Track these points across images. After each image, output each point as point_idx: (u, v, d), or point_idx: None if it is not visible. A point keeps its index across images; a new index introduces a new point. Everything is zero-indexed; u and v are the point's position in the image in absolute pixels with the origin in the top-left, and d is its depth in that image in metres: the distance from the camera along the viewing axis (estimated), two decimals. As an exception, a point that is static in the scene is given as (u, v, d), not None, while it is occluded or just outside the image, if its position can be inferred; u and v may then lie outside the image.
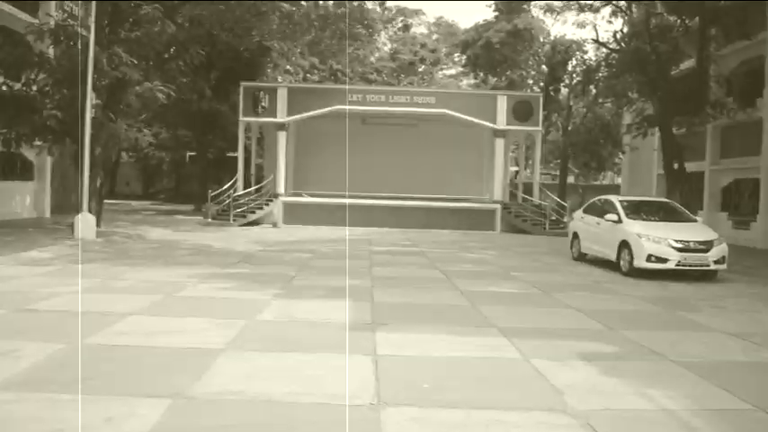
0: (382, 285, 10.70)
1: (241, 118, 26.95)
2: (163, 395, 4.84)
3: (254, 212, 25.29)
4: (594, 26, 46.86)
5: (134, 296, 8.97)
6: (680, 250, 12.61)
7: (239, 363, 5.80)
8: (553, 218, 26.22)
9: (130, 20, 19.00)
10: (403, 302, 9.26)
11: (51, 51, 19.09)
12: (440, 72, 57.13)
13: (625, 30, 24.90)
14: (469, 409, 4.78)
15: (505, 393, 5.24)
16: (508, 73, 40.57)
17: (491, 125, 27.08)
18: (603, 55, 31.50)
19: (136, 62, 18.04)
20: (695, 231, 13.33)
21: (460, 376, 5.62)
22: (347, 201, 25.78)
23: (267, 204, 25.92)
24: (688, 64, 23.33)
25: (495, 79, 41.47)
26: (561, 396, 5.15)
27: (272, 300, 8.98)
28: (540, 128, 28.39)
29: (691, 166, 23.49)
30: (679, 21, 22.23)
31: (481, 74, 42.79)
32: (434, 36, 56.05)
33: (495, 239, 22.28)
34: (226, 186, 25.99)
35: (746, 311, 9.63)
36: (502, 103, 27.12)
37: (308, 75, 43.60)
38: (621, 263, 13.43)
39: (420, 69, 55.01)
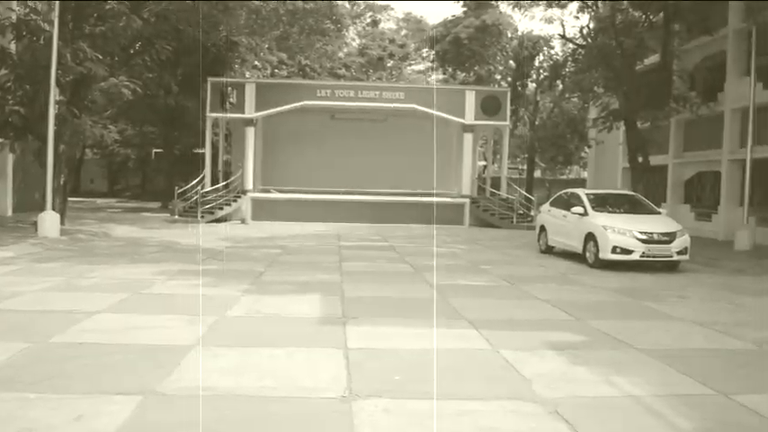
0: (352, 280, 10.72)
1: (208, 114, 26.67)
2: (132, 392, 4.80)
3: (221, 209, 25.07)
4: (562, 22, 47.53)
5: (100, 294, 8.84)
6: (644, 242, 12.89)
7: (210, 359, 5.77)
8: (521, 211, 26.51)
9: (95, 15, 18.64)
10: (373, 296, 9.30)
11: (13, 47, 18.65)
12: (408, 67, 57.22)
13: (591, 25, 25.19)
14: (441, 399, 4.83)
15: (475, 384, 5.30)
16: (476, 68, 40.80)
17: (459, 120, 27.27)
18: (570, 50, 31.79)
19: (101, 57, 17.71)
20: (659, 223, 13.61)
21: (431, 368, 5.67)
22: (316, 196, 25.76)
23: (235, 201, 25.73)
24: (653, 59, 23.73)
25: (464, 74, 41.69)
26: (530, 385, 5.23)
27: (241, 296, 8.94)
28: (507, 123, 28.66)
29: (655, 160, 23.91)
30: (644, 16, 22.60)
31: (450, 69, 42.98)
32: (403, 31, 56.11)
33: (464, 233, 22.46)
34: (193, 183, 25.70)
35: (708, 301, 9.87)
36: (470, 98, 27.32)
37: (277, 70, 43.26)
38: (587, 255, 13.66)
39: (389, 64, 55.05)
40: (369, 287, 10.12)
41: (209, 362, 5.66)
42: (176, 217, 24.65)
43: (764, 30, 16.00)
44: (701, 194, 26.04)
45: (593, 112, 30.12)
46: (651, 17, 22.46)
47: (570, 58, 30.98)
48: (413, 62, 56.89)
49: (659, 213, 14.75)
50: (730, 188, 23.06)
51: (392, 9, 56.54)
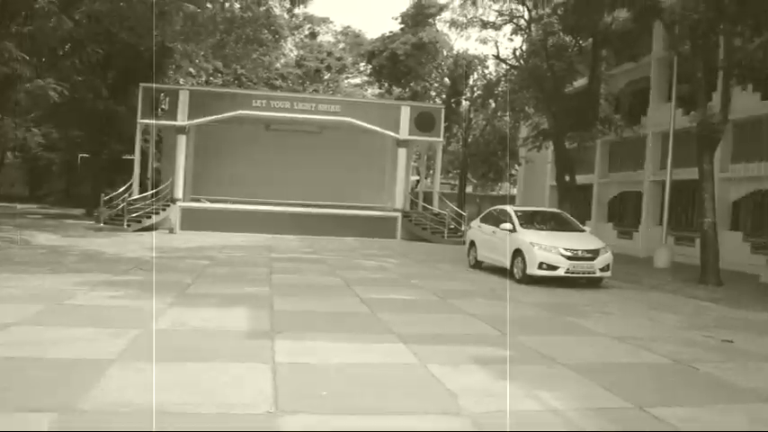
0: (282, 293, 10.61)
1: (139, 120, 25.99)
2: (48, 409, 4.60)
3: (149, 217, 24.41)
4: (496, 43, 48.67)
5: (17, 305, 8.43)
6: (569, 258, 13.29)
7: (131, 373, 5.60)
8: (452, 226, 26.90)
9: (23, 14, 17.94)
10: (302, 310, 9.24)
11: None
12: (345, 80, 57.33)
13: (524, 47, 25.97)
14: (367, 414, 4.84)
15: (402, 399, 5.33)
16: (412, 84, 41.30)
17: (394, 135, 27.50)
18: (503, 71, 32.67)
19: (27, 58, 17.05)
20: (583, 240, 14.07)
21: (359, 383, 5.67)
22: (248, 207, 25.43)
23: (164, 209, 25.12)
24: (581, 82, 24.62)
25: (400, 90, 42.13)
26: (456, 400, 5.30)
27: (167, 308, 8.71)
28: (441, 139, 29.10)
29: (581, 179, 24.77)
30: (574, 41, 23.46)
31: (386, 84, 43.36)
32: (341, 45, 56.24)
33: (396, 247, 22.60)
34: (120, 190, 24.93)
35: (628, 316, 10.26)
36: (405, 114, 27.61)
37: (212, 78, 42.57)
38: (515, 270, 13.98)
39: (326, 77, 55.01)
40: (298, 300, 10.05)
41: (131, 377, 5.49)
42: (102, 225, 23.81)
43: (685, 59, 16.84)
44: (624, 213, 27.09)
45: (523, 131, 30.93)
46: (581, 42, 23.33)
47: (503, 79, 31.83)
48: (350, 75, 57.07)
49: (584, 231, 15.24)
50: (651, 208, 24.10)
51: (331, 22, 56.54)
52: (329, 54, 54.16)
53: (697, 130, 15.77)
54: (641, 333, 8.77)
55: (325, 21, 56.43)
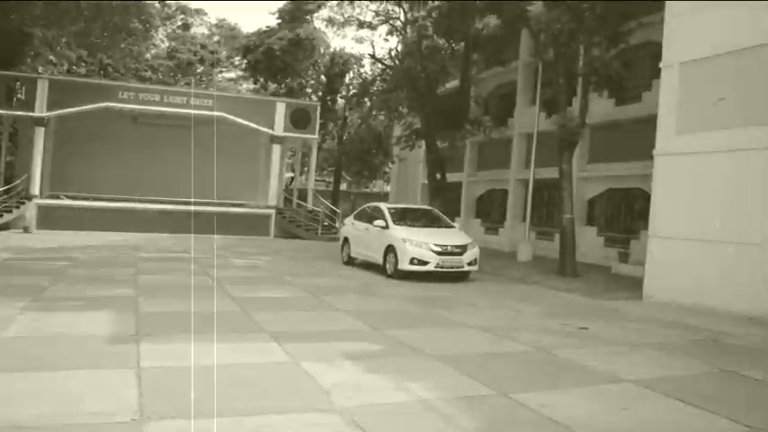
0: (148, 294, 10.19)
1: (-9, 110, 24.01)
2: None
3: (1, 216, 22.60)
4: (372, 42, 49.11)
5: None
6: (439, 253, 13.75)
7: (-23, 384, 5.17)
8: (326, 223, 26.97)
9: None
10: (170, 311, 8.91)
11: None
12: (219, 74, 55.76)
13: (399, 48, 26.40)
14: (238, 416, 4.76)
15: (275, 398, 5.28)
16: (288, 80, 40.92)
17: (269, 131, 27.13)
18: (379, 70, 33.07)
19: None
20: (452, 236, 14.58)
21: (230, 384, 5.56)
22: (114, 204, 24.17)
23: (18, 207, 23.34)
24: (453, 84, 25.41)
25: (275, 86, 41.61)
26: (328, 395, 5.33)
27: (18, 314, 8.09)
28: (316, 136, 29.04)
29: (451, 177, 25.55)
30: (447, 44, 24.19)
31: (261, 79, 42.67)
32: (215, 38, 54.62)
33: (270, 245, 22.34)
34: (-34, 186, 22.94)
35: (494, 307, 10.75)
36: (280, 110, 27.32)
37: (74, 67, 39.94)
38: (387, 266, 14.27)
39: (199, 70, 53.23)
40: (166, 302, 9.69)
41: (-23, 388, 5.07)
42: (-56, 224, 21.79)
43: (549, 66, 17.83)
44: (491, 210, 28.29)
45: (397, 130, 31.50)
46: (453, 45, 24.10)
47: (378, 78, 32.23)
48: (224, 69, 55.57)
49: (453, 227, 15.79)
50: (515, 205, 25.32)
51: (206, 14, 54.76)
52: (203, 47, 52.42)
53: (558, 132, 16.74)
54: (505, 323, 9.23)
55: (199, 12, 54.59)
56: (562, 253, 16.50)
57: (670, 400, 5.72)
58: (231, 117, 26.21)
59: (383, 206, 16.07)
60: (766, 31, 11.15)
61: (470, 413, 5.07)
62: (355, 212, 17.36)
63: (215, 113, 26.10)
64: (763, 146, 10.98)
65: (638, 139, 17.43)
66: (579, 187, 20.77)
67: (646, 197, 16.30)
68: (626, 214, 20.72)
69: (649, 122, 13.72)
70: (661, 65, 13.14)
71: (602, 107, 20.48)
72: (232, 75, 55.40)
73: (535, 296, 12.63)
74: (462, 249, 14.10)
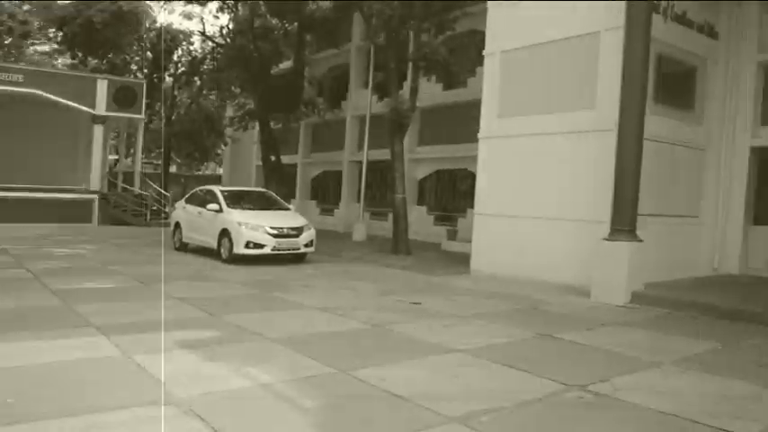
0: (-48, 289, 9.16)
1: None
2: None
3: None
4: (202, 19, 46.95)
5: None
6: (275, 236, 13.70)
7: None
8: (155, 208, 25.73)
9: None
10: (-20, 307, 8.07)
11: None
12: (31, 47, 50.68)
13: (231, 26, 25.64)
14: (65, 417, 4.41)
15: (106, 394, 4.97)
16: (110, 56, 38.20)
17: (89, 110, 25.21)
18: (210, 48, 31.91)
19: None
20: (288, 218, 14.56)
21: (55, 384, 5.14)
22: None
23: None
24: (287, 65, 25.17)
25: (96, 61, 38.66)
26: (164, 388, 5.10)
27: None
28: (142, 116, 27.46)
29: (286, 159, 25.48)
30: (280, 24, 23.85)
31: (80, 54, 39.43)
32: (25, 6, 49.48)
33: (94, 232, 20.95)
34: None
35: (331, 288, 10.89)
36: (102, 88, 25.45)
37: None
38: (222, 250, 13.97)
39: (7, 42, 48.01)
40: (-26, 297, 8.75)
41: None
42: None
43: (380, 50, 18.21)
44: (326, 192, 28.57)
45: (230, 111, 30.72)
46: (287, 25, 23.84)
47: (209, 57, 31.13)
48: (36, 42, 50.62)
49: (289, 209, 15.77)
50: (350, 186, 25.78)
51: (14, -18, 49.35)
52: (11, 16, 47.34)
53: (389, 115, 17.21)
54: (343, 302, 9.39)
55: (6, -22, 49.17)
56: (395, 232, 17.06)
57: (496, 365, 6.16)
58: (46, 94, 23.98)
59: (216, 189, 15.64)
60: (567, 28, 12.21)
61: (311, 393, 5.11)
62: (187, 196, 16.75)
63: (27, 90, 23.73)
64: (566, 131, 12.06)
65: (464, 122, 18.40)
66: (410, 168, 21.56)
67: (472, 177, 17.28)
68: (454, 194, 21.86)
69: (475, 107, 14.53)
70: (484, 53, 13.93)
71: (431, 92, 21.33)
72: (46, 48, 50.67)
73: (371, 275, 12.97)
74: (298, 231, 14.14)
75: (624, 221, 10.53)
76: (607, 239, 10.66)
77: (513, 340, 7.36)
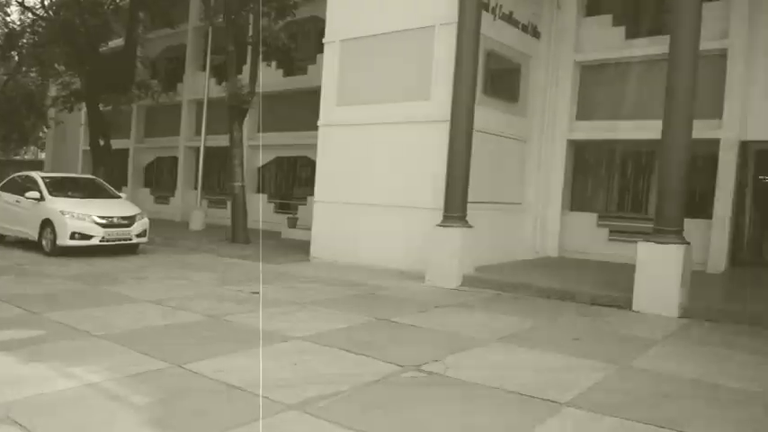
0: None
1: None
2: None
3: None
4: (21, -13, 42.70)
5: None
6: (104, 226, 12.99)
7: None
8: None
9: None
10: None
11: None
12: None
13: (54, -2, 23.60)
14: None
15: None
16: None
17: None
18: (29, 20, 29.17)
19: None
20: (119, 207, 13.84)
21: None
22: None
23: None
24: (118, 43, 23.68)
25: None
26: (-27, 393, 4.70)
27: None
28: (-55, 92, 24.66)
29: (117, 143, 24.05)
30: (111, -2, 22.38)
31: None
32: None
33: None
34: None
35: (166, 279, 10.51)
36: None
37: None
38: (44, 242, 13.06)
39: None
40: None
41: None
42: None
43: (219, 31, 17.68)
44: (161, 179, 27.37)
45: (53, 90, 28.41)
46: (118, 1, 22.43)
47: (29, 30, 28.51)
48: None
49: (120, 197, 14.96)
50: (186, 173, 24.90)
51: None
52: None
53: (228, 100, 16.81)
54: (178, 294, 9.10)
55: None
56: (234, 220, 16.74)
57: (335, 350, 6.29)
58: None
59: (37, 175, 14.47)
60: (405, 20, 12.64)
61: (143, 390, 4.93)
62: (3, 183, 15.34)
63: None
64: (404, 121, 12.52)
65: (305, 109, 18.40)
66: (250, 155, 21.21)
67: (312, 165, 17.36)
68: (294, 181, 21.84)
69: (315, 94, 14.59)
70: (324, 41, 14.01)
71: (272, 77, 21.08)
72: None
73: (208, 265, 12.67)
74: (130, 221, 13.48)
75: (456, 208, 11.13)
76: (440, 226, 11.21)
77: (352, 325, 7.54)
